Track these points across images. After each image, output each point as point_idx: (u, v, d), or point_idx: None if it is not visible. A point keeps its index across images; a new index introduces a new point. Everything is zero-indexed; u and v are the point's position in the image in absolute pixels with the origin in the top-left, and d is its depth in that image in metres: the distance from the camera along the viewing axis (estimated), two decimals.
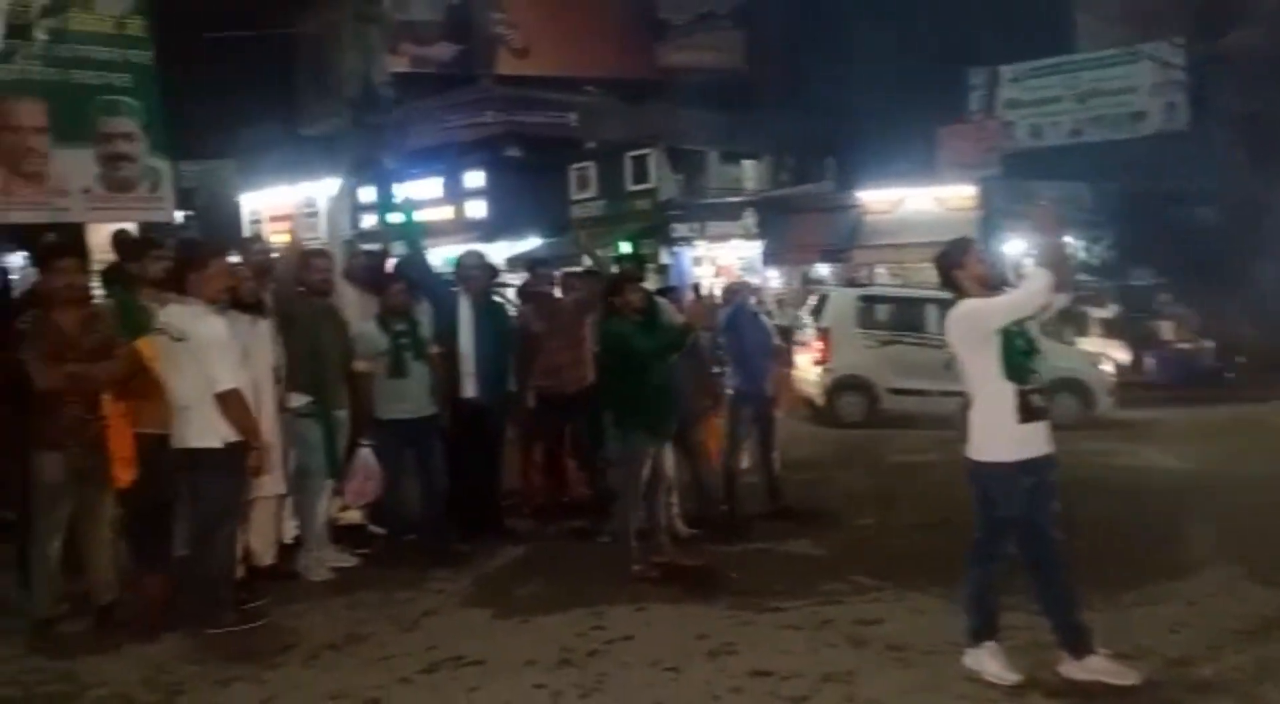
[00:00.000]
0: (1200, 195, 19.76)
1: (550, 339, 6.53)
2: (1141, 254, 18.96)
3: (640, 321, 5.60)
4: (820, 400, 11.83)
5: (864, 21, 21.47)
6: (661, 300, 6.75)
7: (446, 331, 6.16)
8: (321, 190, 24.75)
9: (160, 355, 4.67)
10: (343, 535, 5.97)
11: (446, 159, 22.04)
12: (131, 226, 7.35)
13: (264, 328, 5.24)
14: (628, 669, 4.21)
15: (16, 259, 10.49)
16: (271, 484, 5.14)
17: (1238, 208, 18.82)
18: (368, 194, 22.36)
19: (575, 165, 22.55)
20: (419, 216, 7.98)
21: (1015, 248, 17.39)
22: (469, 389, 6.19)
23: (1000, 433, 3.86)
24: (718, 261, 21.62)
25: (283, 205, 25.39)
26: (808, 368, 12.07)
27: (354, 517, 6.02)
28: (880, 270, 19.54)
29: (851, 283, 17.99)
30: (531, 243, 21.13)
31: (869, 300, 12.40)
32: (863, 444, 10.21)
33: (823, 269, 20.82)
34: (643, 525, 5.66)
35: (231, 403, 4.59)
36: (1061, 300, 4.01)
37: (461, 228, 21.53)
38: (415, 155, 21.93)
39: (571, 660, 4.30)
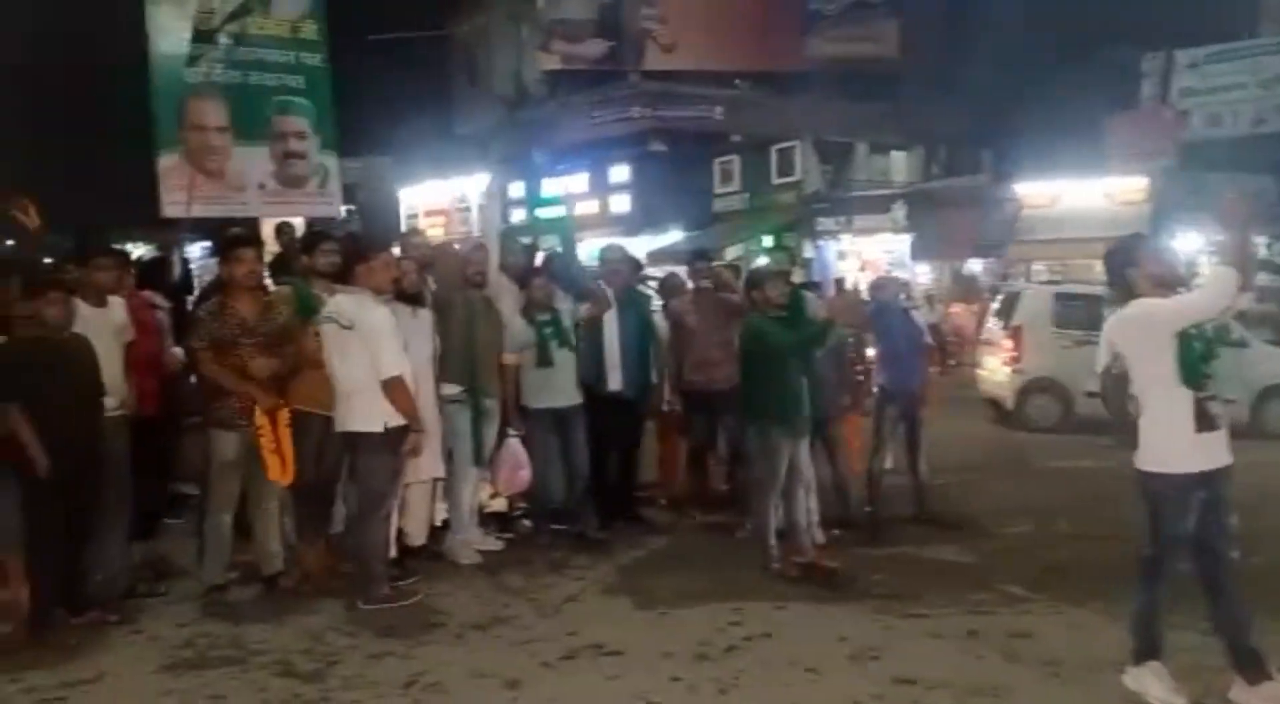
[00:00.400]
0: None
1: (703, 334, 6.52)
2: None
3: (781, 317, 5.56)
4: (1009, 403, 11.31)
5: (1024, 6, 20.51)
6: (808, 295, 6.68)
7: (591, 324, 6.26)
8: (474, 185, 25.61)
9: (328, 342, 4.92)
10: (489, 521, 6.16)
11: (593, 154, 22.37)
12: (297, 221, 7.79)
13: (424, 318, 5.46)
14: (766, 667, 4.17)
15: (195, 250, 11.25)
16: (429, 469, 5.35)
17: None
18: (518, 189, 23.10)
19: (719, 159, 22.50)
20: (567, 211, 8.09)
21: (1190, 244, 16.31)
22: (612, 382, 6.26)
23: (1174, 443, 3.64)
24: (863, 256, 21.20)
25: (437, 200, 26.36)
26: (996, 369, 11.62)
27: (501, 504, 6.20)
28: (1038, 267, 18.67)
29: (1005, 278, 17.28)
30: (673, 237, 21.23)
31: (1065, 298, 11.71)
32: (1017, 448, 9.80)
33: (975, 265, 20.09)
34: (780, 524, 5.61)
35: (396, 389, 4.80)
36: (1244, 301, 3.73)
37: (606, 222, 21.83)
38: (563, 151, 22.37)
39: (709, 655, 4.29)
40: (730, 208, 22.66)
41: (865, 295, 7.20)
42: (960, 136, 23.21)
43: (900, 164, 24.06)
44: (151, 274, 7.05)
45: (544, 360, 5.92)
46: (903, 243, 20.54)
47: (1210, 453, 3.66)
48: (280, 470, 4.87)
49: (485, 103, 24.66)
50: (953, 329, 16.81)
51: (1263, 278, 15.99)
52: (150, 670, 4.19)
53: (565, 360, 5.98)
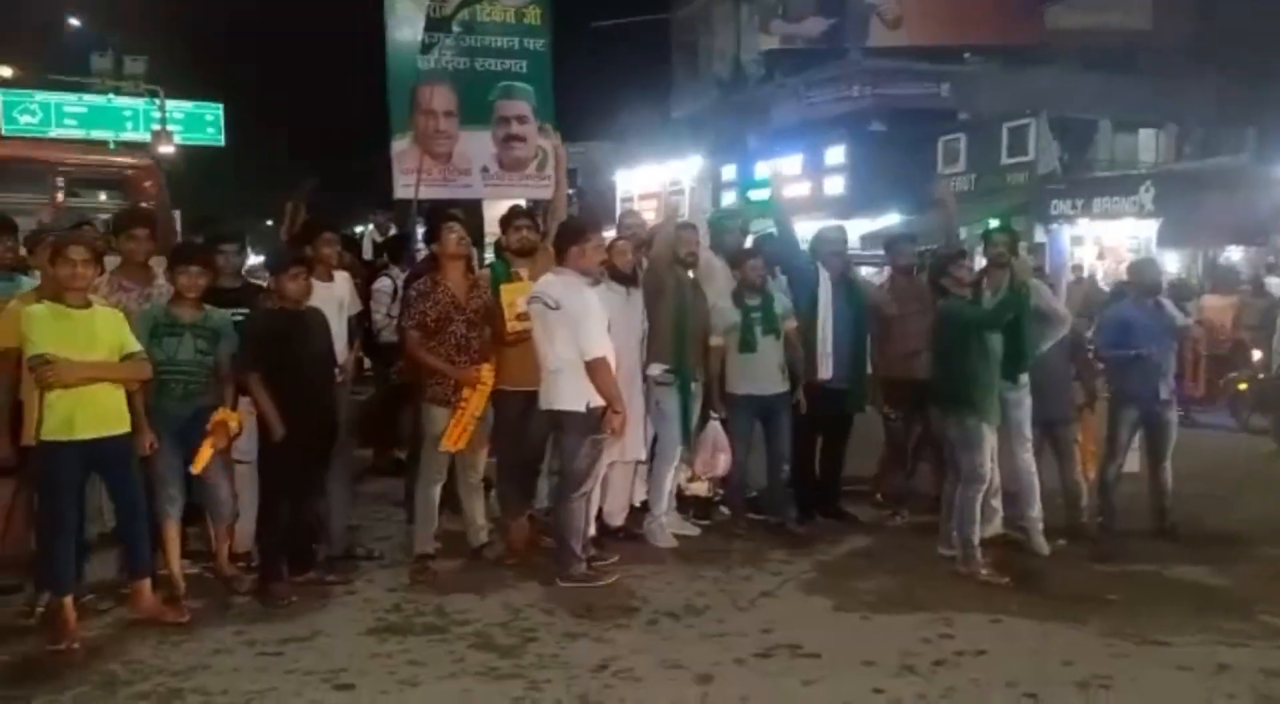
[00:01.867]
0: None
1: (906, 322, 6.15)
2: None
3: (972, 298, 5.30)
4: None
5: None
6: (1037, 282, 6.14)
7: (806, 310, 6.03)
8: (687, 169, 25.71)
9: (535, 321, 4.98)
10: (687, 505, 6.08)
11: (809, 136, 21.86)
12: (523, 203, 7.96)
13: (636, 299, 5.46)
14: (979, 687, 3.85)
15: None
16: (632, 450, 5.34)
17: None
18: (730, 172, 22.94)
19: (944, 137, 21.42)
20: (777, 193, 7.85)
21: None
22: (824, 370, 6.01)
23: None
24: (1102, 241, 19.61)
25: (651, 184, 26.67)
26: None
27: (701, 488, 6.10)
28: None
29: (1271, 269, 15.50)
30: (891, 219, 20.42)
31: None
32: (1272, 457, 8.69)
33: (1235, 253, 18.11)
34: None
35: (599, 370, 4.79)
36: None
37: (819, 204, 21.29)
38: (778, 132, 21.99)
39: (915, 668, 4.01)
40: (955, 189, 21.53)
41: (1103, 284, 6.57)
42: (1218, 113, 20.99)
43: (1149, 143, 22.08)
44: (394, 251, 7.48)
45: (747, 346, 5.75)
46: (1149, 228, 18.79)
47: None
48: (452, 439, 4.94)
49: (702, 87, 24.65)
50: (1204, 323, 15.24)
51: None
52: (359, 632, 4.38)
53: (769, 347, 5.79)
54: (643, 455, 5.51)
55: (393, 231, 9.09)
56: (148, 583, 4.44)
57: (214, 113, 23.89)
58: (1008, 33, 21.29)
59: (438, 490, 5.14)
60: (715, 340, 5.75)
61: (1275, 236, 17.07)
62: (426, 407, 5.10)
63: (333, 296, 5.28)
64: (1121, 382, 6.08)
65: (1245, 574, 5.35)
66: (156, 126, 21.74)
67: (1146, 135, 22.14)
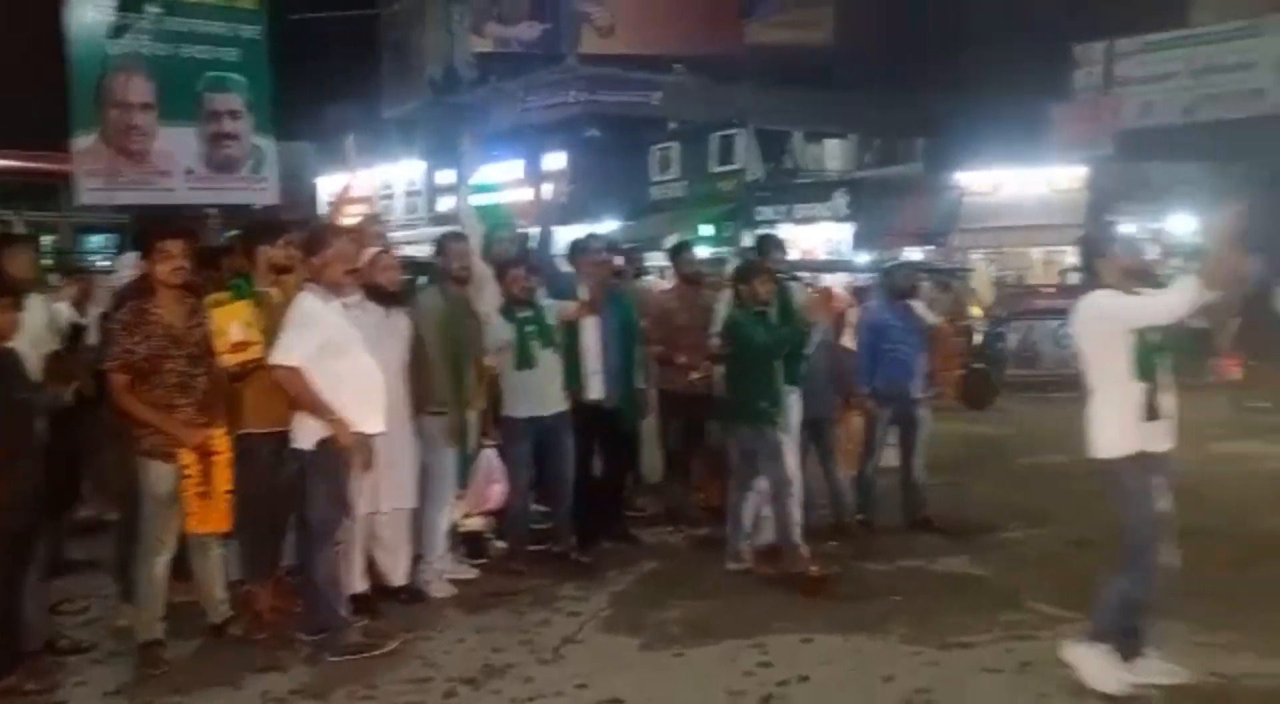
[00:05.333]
0: None
1: (690, 334, 6.01)
2: (1257, 241, 17.77)
3: (764, 313, 5.31)
4: None
5: None
6: (794, 286, 6.22)
7: (566, 326, 5.66)
8: (399, 173, 24.63)
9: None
10: (459, 543, 5.52)
11: (528, 141, 21.65)
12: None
13: (399, 321, 4.80)
14: None
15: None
16: (400, 496, 4.70)
17: None
18: (448, 176, 22.20)
19: (658, 146, 22.00)
20: (499, 199, 7.50)
21: (1124, 233, 16.40)
22: (593, 389, 5.68)
23: (1123, 430, 3.75)
24: (803, 244, 20.96)
25: (360, 188, 25.29)
26: None
27: (475, 524, 5.56)
28: (976, 255, 18.68)
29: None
30: (609, 225, 20.67)
31: None
32: (987, 444, 9.49)
33: (917, 254, 20.00)
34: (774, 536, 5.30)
35: (289, 381, 4.13)
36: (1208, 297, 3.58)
37: (544, 210, 21.11)
38: (496, 137, 21.58)
39: None
40: (669, 196, 22.20)
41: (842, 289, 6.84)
42: (898, 125, 23.18)
43: (835, 152, 23.94)
44: None
45: (525, 362, 5.30)
46: (844, 231, 20.34)
47: (1154, 438, 3.75)
48: (206, 518, 4.14)
49: (414, 87, 23.70)
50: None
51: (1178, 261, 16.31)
52: None
53: (549, 362, 5.38)
54: (412, 502, 4.88)
55: None
56: None
57: None
58: (711, 44, 22.24)
59: (165, 561, 4.23)
60: (488, 360, 5.25)
61: (950, 238, 19.04)
62: (143, 461, 4.18)
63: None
64: (876, 381, 6.28)
65: (1000, 561, 5.63)
66: None
67: (832, 145, 24.00)
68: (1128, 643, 3.83)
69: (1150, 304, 3.69)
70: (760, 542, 5.51)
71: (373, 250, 4.85)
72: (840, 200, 20.28)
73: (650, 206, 22.18)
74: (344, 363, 4.26)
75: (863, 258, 20.34)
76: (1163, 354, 3.76)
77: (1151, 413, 3.72)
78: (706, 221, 20.12)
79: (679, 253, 6.58)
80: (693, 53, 22.03)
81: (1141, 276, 3.91)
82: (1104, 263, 3.81)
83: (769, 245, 6.19)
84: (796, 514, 5.22)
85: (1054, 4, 20.60)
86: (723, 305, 5.88)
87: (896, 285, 6.45)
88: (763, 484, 5.33)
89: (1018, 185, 18.73)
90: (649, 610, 4.84)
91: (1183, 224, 16.68)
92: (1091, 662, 3.83)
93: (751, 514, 5.43)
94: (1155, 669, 3.83)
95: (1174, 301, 3.59)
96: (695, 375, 5.99)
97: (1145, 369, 3.70)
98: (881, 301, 6.48)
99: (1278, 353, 10.44)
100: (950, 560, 5.66)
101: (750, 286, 5.32)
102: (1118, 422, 3.75)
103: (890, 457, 6.49)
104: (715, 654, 4.28)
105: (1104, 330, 3.75)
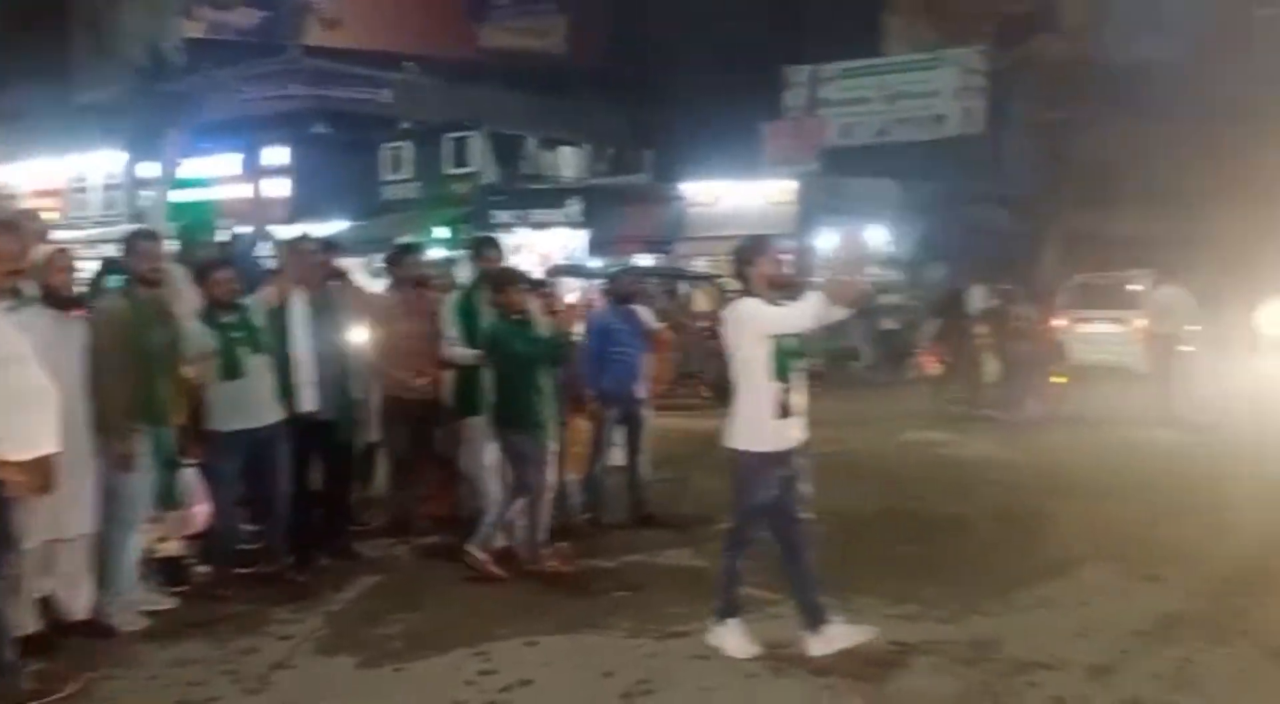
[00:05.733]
0: (996, 197, 21.01)
1: (413, 340, 5.84)
2: (939, 250, 19.92)
3: (521, 321, 5.41)
4: None
5: (686, 16, 21.48)
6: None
7: (275, 335, 5.31)
8: (96, 164, 22.38)
9: None
10: (154, 571, 5.03)
11: (247, 134, 20.35)
12: None
13: (75, 328, 4.29)
14: None
15: None
16: (76, 522, 4.21)
17: (1023, 209, 20.18)
18: (151, 169, 20.40)
19: (389, 145, 21.39)
20: (211, 195, 6.98)
21: (829, 242, 17.87)
22: (306, 401, 5.38)
23: (759, 426, 4.13)
24: (539, 249, 21.12)
25: (50, 180, 22.78)
26: None
27: (172, 548, 5.09)
28: (699, 263, 19.59)
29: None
30: (338, 225, 19.86)
31: None
32: (707, 439, 9.93)
33: (647, 260, 20.68)
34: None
35: None
36: (839, 314, 4.04)
37: (260, 208, 19.92)
38: (209, 128, 20.11)
39: None
40: (401, 196, 21.65)
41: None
42: (627, 136, 23.89)
43: (569, 159, 24.32)
44: None
45: (232, 371, 4.92)
46: (578, 237, 20.68)
47: (787, 435, 4.17)
48: None
49: (113, 71, 21.56)
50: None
51: (890, 272, 18.06)
52: None
53: (259, 369, 5.03)
54: (93, 527, 4.39)
55: None
56: None
57: None
58: (443, 44, 21.93)
59: None
60: (189, 370, 4.82)
61: (677, 245, 19.84)
62: None
63: None
64: (604, 382, 6.42)
65: (716, 552, 5.90)
66: None
67: (566, 152, 24.38)
68: (814, 617, 4.18)
69: (786, 314, 4.08)
70: (495, 543, 5.46)
71: (48, 249, 4.34)
72: (574, 207, 20.64)
73: (382, 207, 21.56)
74: (9, 374, 3.76)
75: (595, 263, 20.91)
76: (797, 358, 4.17)
77: (784, 411, 4.12)
78: (441, 224, 19.80)
79: (402, 256, 6.38)
80: (424, 51, 21.66)
81: (784, 287, 4.34)
82: (751, 271, 4.17)
83: (483, 246, 6.13)
84: (546, 517, 5.39)
85: (766, 27, 22.07)
86: (449, 309, 5.78)
87: (621, 290, 6.62)
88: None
89: (738, 197, 19.84)
90: (368, 627, 4.63)
91: (877, 236, 18.36)
92: (728, 638, 4.23)
93: (515, 514, 5.42)
94: (841, 635, 4.16)
95: (804, 313, 4.00)
96: (420, 381, 5.85)
97: (780, 371, 4.11)
98: (607, 306, 6.62)
99: (971, 351, 11.79)
100: (673, 553, 5.88)
101: (505, 295, 5.40)
102: (754, 418, 4.13)
103: (617, 456, 6.66)
104: (438, 666, 4.17)
105: (746, 335, 4.12)
